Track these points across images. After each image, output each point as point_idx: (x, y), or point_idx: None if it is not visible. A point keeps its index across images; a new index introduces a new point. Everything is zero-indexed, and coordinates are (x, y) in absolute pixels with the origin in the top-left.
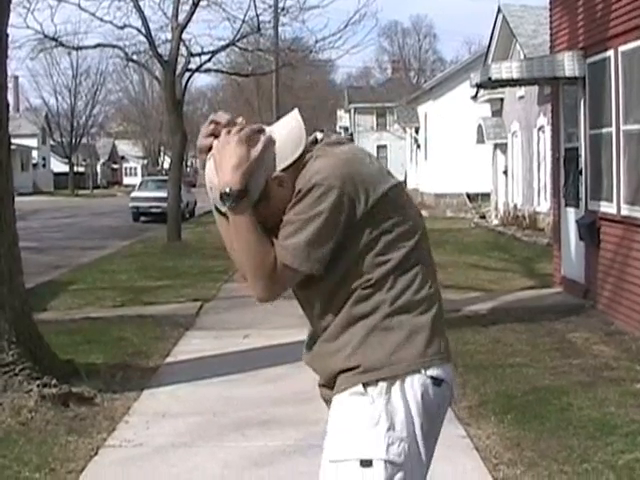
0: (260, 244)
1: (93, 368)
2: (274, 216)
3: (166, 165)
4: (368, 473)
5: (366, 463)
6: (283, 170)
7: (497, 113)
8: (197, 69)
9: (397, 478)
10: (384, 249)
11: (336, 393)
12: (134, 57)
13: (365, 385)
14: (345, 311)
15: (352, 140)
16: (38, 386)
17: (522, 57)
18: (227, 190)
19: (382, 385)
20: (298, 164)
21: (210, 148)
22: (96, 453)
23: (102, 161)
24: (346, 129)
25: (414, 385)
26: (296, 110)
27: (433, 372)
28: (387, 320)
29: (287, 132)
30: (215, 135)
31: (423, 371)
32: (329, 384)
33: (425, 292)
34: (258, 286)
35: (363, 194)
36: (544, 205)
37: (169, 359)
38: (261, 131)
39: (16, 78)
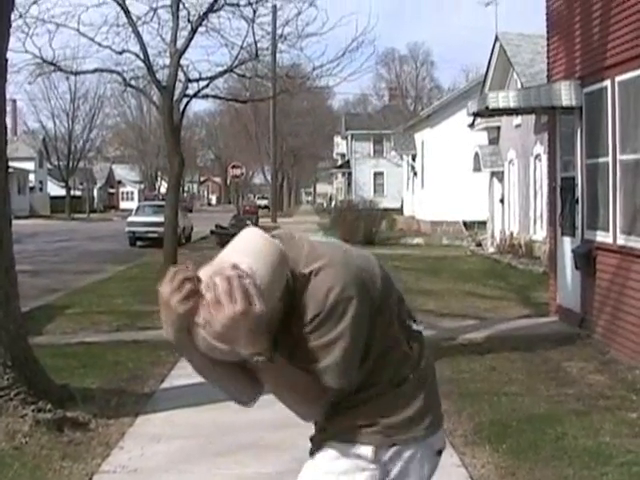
0: (301, 378)
1: (88, 393)
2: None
3: (163, 190)
4: None
5: None
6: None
7: (494, 141)
8: (195, 95)
9: None
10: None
11: None
12: (132, 82)
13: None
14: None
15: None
16: (33, 410)
17: (519, 85)
18: (256, 354)
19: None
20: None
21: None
22: (90, 479)
23: (99, 185)
24: (343, 155)
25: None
26: (251, 229)
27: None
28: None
29: (264, 261)
30: (193, 293)
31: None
32: None
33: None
34: (309, 414)
35: (373, 290)
36: (540, 233)
37: (164, 384)
38: (240, 275)
39: (14, 102)
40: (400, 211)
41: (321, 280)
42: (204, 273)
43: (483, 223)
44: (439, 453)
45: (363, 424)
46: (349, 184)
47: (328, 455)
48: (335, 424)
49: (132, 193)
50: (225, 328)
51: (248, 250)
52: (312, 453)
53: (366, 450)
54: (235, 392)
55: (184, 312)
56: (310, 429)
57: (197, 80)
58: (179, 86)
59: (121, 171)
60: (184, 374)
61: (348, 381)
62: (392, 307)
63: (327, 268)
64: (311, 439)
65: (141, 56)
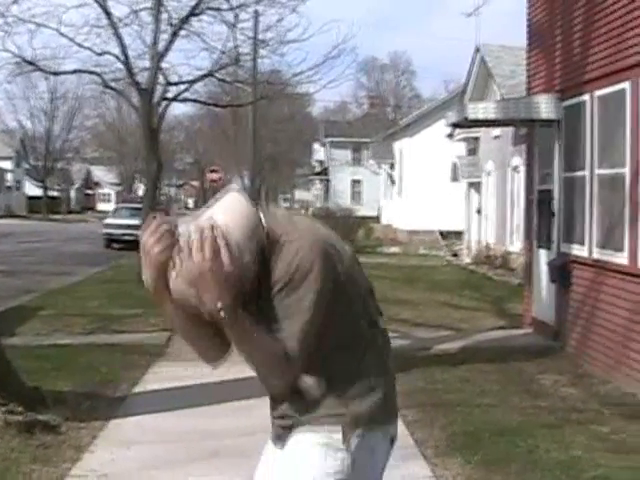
0: (267, 341)
1: (60, 396)
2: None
3: (140, 192)
4: None
5: None
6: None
7: (472, 152)
8: (174, 98)
9: None
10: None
11: None
12: (112, 84)
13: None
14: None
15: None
16: (3, 412)
17: (499, 97)
18: (219, 308)
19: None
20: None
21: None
22: None
23: (76, 186)
24: (321, 162)
25: None
26: (235, 192)
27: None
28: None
29: (241, 222)
30: (172, 244)
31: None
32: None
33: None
34: (273, 379)
35: (339, 265)
36: (516, 245)
37: (137, 389)
38: (216, 234)
39: None
40: (377, 219)
41: (292, 249)
42: (184, 224)
43: (460, 233)
44: (392, 441)
45: (330, 412)
46: (327, 191)
47: (298, 446)
48: (301, 411)
49: (109, 195)
50: (192, 276)
51: (227, 209)
52: (276, 441)
53: (337, 436)
54: (203, 349)
55: (162, 261)
56: None
57: (177, 83)
58: (159, 89)
59: (99, 172)
60: (157, 379)
61: (304, 348)
62: (357, 291)
63: (299, 239)
64: (273, 425)
65: (121, 58)
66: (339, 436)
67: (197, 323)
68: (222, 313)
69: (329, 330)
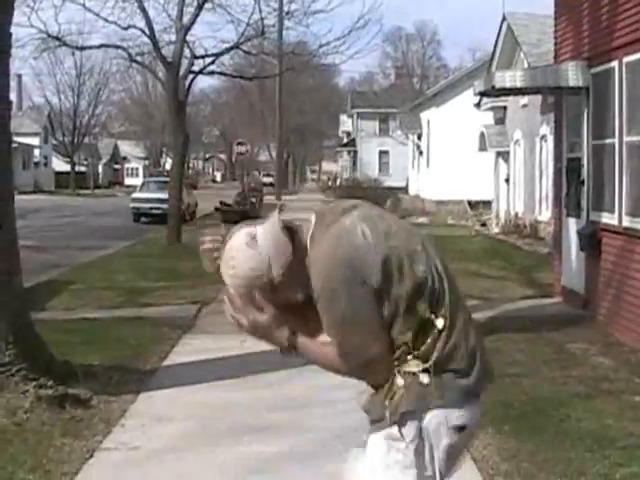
0: (327, 355)
1: (90, 370)
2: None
3: (168, 166)
4: None
5: None
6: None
7: (500, 121)
8: (200, 71)
9: None
10: None
11: None
12: (137, 58)
13: None
14: None
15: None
16: (34, 387)
17: (526, 65)
18: (285, 346)
19: None
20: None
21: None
22: (91, 456)
23: (104, 161)
24: (348, 133)
25: None
26: (275, 219)
27: None
28: None
29: (274, 245)
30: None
31: None
32: None
33: None
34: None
35: (369, 273)
36: (545, 214)
37: (167, 362)
38: (251, 246)
39: (19, 76)
40: (405, 190)
41: (317, 268)
42: (230, 239)
43: (488, 203)
44: (459, 429)
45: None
46: (354, 162)
47: (371, 450)
48: (370, 412)
49: (137, 169)
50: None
51: (266, 226)
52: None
53: (395, 430)
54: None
55: (214, 270)
56: (313, 410)
57: (203, 56)
58: (185, 62)
59: (126, 147)
60: (187, 351)
61: (348, 353)
62: (403, 291)
63: (324, 253)
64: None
65: (147, 32)
66: (395, 430)
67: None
68: (288, 350)
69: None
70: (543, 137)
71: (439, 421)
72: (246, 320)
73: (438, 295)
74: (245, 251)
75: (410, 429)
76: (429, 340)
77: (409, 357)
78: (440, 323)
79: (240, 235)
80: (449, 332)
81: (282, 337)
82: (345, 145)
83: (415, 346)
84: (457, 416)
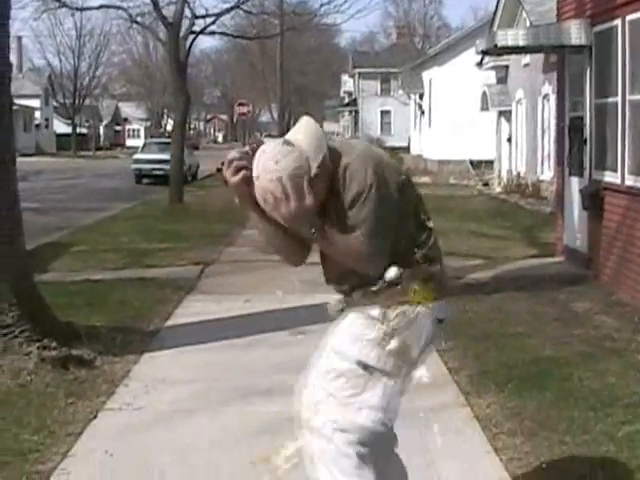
0: (347, 240)
1: (93, 331)
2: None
3: (169, 127)
4: None
5: None
6: (318, 166)
7: (502, 80)
8: (201, 31)
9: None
10: None
11: None
12: (138, 19)
13: None
14: None
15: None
16: (38, 348)
17: (528, 24)
18: (313, 233)
19: None
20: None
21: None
22: (95, 416)
23: (105, 123)
24: (349, 93)
25: None
26: (307, 118)
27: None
28: None
29: (311, 137)
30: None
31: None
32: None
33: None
34: (367, 267)
35: (394, 177)
36: (548, 173)
37: (170, 322)
38: (289, 143)
39: (19, 38)
40: (407, 150)
41: (353, 168)
42: (262, 149)
43: (490, 163)
44: (440, 321)
45: (374, 290)
46: (356, 122)
47: (347, 320)
48: (352, 288)
49: (138, 130)
50: (286, 219)
51: (300, 129)
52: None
53: (375, 310)
54: (287, 254)
55: (235, 181)
56: None
57: (204, 17)
58: (185, 23)
59: (127, 109)
60: (189, 313)
61: (378, 242)
62: (412, 194)
63: (357, 159)
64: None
65: None
66: (377, 312)
67: (280, 231)
68: (316, 236)
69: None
70: (545, 96)
71: (428, 310)
72: (286, 210)
73: (422, 199)
74: (284, 150)
75: (396, 312)
76: (424, 235)
77: (415, 249)
78: (431, 223)
79: (272, 143)
80: (433, 233)
81: (315, 223)
82: (347, 105)
83: (416, 239)
84: (441, 309)
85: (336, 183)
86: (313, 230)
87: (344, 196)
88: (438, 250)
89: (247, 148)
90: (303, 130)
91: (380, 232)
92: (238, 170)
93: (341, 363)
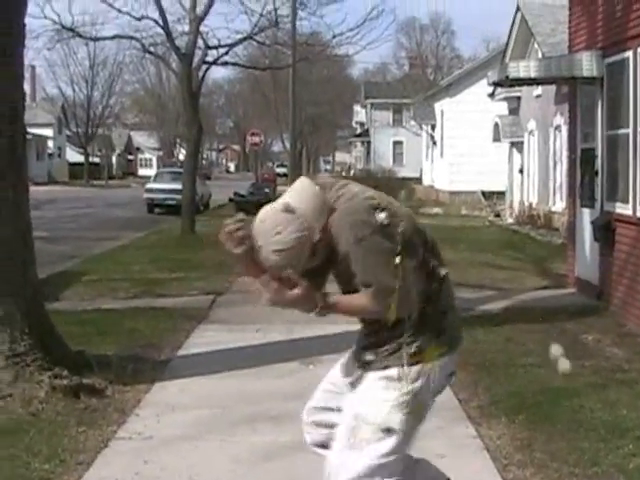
0: (354, 302)
1: (104, 360)
2: (319, 257)
3: (181, 157)
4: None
5: None
6: (320, 230)
7: (514, 111)
8: (214, 62)
9: None
10: None
11: None
12: (151, 49)
13: None
14: None
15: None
16: (49, 377)
17: (540, 55)
18: (317, 310)
19: None
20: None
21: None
22: (106, 445)
23: (117, 152)
24: (362, 124)
25: None
26: (304, 179)
27: None
28: None
29: (311, 201)
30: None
31: None
32: None
33: None
34: (387, 315)
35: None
36: (559, 205)
37: (181, 352)
38: (289, 210)
39: (33, 68)
40: (419, 180)
41: (336, 225)
42: (262, 216)
43: (502, 193)
44: (451, 375)
45: (390, 350)
46: (368, 153)
47: (365, 386)
48: (368, 354)
49: (151, 160)
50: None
51: (297, 193)
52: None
53: (393, 372)
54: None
55: (239, 253)
56: None
57: (216, 47)
58: (198, 53)
59: (140, 138)
60: (200, 342)
61: (381, 294)
62: (416, 245)
63: (338, 214)
64: (358, 363)
65: (160, 22)
66: (394, 372)
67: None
68: (322, 311)
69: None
70: (557, 127)
71: (441, 365)
72: (282, 298)
73: (435, 247)
74: (285, 219)
75: (413, 372)
76: (435, 285)
77: (425, 304)
78: (444, 271)
79: (272, 209)
80: (447, 281)
81: (318, 300)
82: (359, 136)
83: (427, 291)
84: (453, 362)
85: (331, 239)
86: (321, 303)
87: (339, 251)
88: (451, 298)
89: (241, 215)
90: (301, 195)
91: (376, 277)
92: (240, 241)
93: (362, 426)
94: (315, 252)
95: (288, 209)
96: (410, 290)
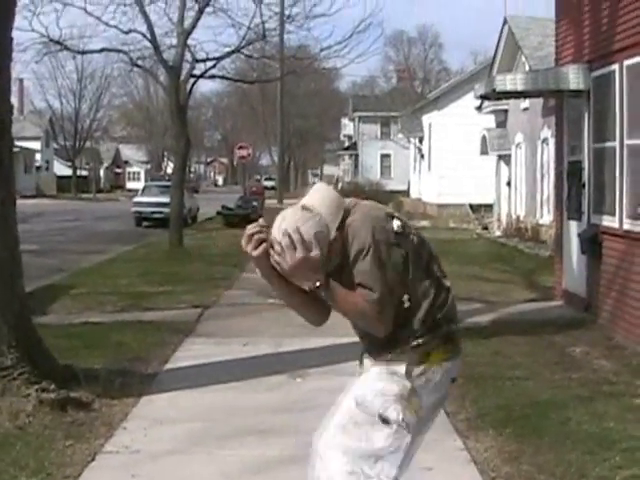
0: (354, 300)
1: (92, 373)
2: (335, 259)
3: (169, 170)
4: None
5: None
6: (337, 229)
7: (501, 124)
8: (202, 75)
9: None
10: None
11: None
12: (139, 62)
13: None
14: None
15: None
16: (36, 390)
17: (527, 69)
18: (317, 285)
19: None
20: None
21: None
22: (93, 459)
23: (105, 165)
24: (349, 137)
25: None
26: (321, 184)
27: None
28: None
29: (329, 202)
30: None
31: None
32: None
33: None
34: (374, 323)
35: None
36: (547, 217)
37: (168, 365)
38: (307, 208)
39: (21, 81)
40: (407, 193)
41: (354, 227)
42: (276, 222)
43: (490, 206)
44: (453, 380)
45: (399, 350)
46: (356, 166)
47: (371, 374)
48: (377, 350)
49: (139, 173)
50: (289, 271)
51: (316, 194)
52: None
53: (399, 368)
54: (307, 314)
55: (256, 255)
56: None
57: (204, 60)
58: (186, 66)
59: (128, 151)
60: (188, 356)
61: (381, 303)
62: (422, 256)
63: (358, 218)
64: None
65: (148, 36)
66: (402, 368)
67: (300, 293)
68: (320, 289)
69: (404, 286)
70: (544, 140)
71: (445, 369)
72: (292, 259)
73: (438, 259)
74: (304, 216)
75: (418, 371)
76: (443, 295)
77: (436, 311)
78: (448, 282)
79: (291, 209)
80: (451, 292)
81: (320, 277)
82: (347, 149)
83: (436, 300)
84: (456, 368)
85: (345, 241)
86: (322, 279)
87: (349, 252)
88: (455, 308)
89: (262, 221)
90: (320, 195)
91: (380, 288)
92: (259, 243)
93: (361, 415)
94: (331, 251)
95: (306, 208)
96: (393, 304)
